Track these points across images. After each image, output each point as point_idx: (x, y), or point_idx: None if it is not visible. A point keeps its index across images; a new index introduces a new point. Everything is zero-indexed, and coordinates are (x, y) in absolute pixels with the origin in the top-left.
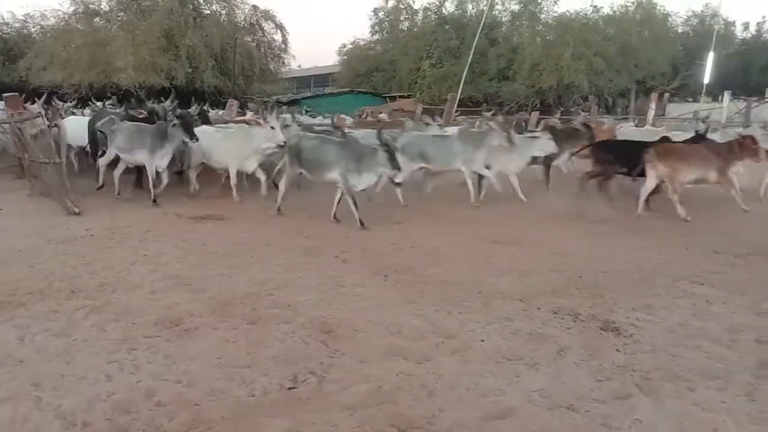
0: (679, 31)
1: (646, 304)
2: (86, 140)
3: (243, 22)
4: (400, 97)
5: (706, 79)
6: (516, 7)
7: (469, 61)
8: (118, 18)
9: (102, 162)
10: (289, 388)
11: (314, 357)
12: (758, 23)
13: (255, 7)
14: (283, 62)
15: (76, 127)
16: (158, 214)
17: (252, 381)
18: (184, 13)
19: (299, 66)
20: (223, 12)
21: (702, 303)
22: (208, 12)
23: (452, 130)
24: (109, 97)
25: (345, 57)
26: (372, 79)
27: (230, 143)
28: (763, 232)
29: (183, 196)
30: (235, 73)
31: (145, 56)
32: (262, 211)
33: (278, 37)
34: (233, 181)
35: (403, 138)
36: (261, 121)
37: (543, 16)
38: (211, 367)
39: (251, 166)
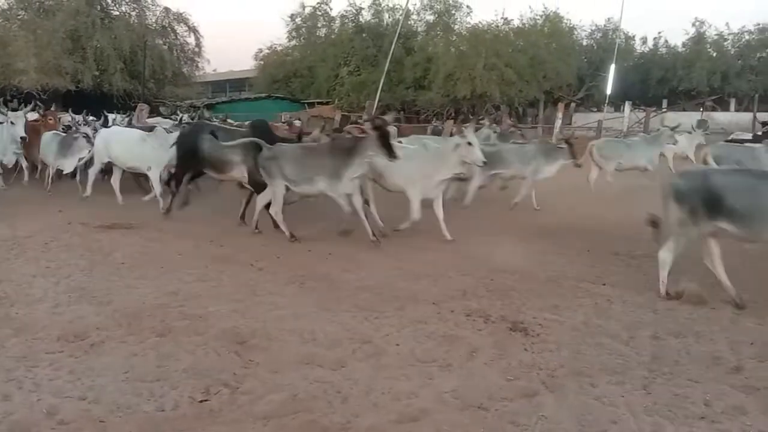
0: (584, 44)
1: (553, 304)
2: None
3: (154, 24)
4: (319, 103)
5: (609, 90)
6: (431, 18)
7: (386, 69)
8: (18, 17)
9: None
10: (201, 401)
11: (227, 368)
12: (655, 38)
13: (167, 9)
14: (197, 66)
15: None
16: (62, 223)
17: (161, 395)
18: (92, 13)
19: (215, 70)
20: (133, 13)
21: (603, 302)
22: (117, 13)
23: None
24: (10, 100)
25: (262, 62)
26: (290, 85)
27: (412, 165)
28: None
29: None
30: (146, 76)
31: (48, 58)
32: (172, 219)
33: (191, 40)
34: (416, 215)
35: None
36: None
37: (457, 27)
38: (117, 382)
39: (433, 193)
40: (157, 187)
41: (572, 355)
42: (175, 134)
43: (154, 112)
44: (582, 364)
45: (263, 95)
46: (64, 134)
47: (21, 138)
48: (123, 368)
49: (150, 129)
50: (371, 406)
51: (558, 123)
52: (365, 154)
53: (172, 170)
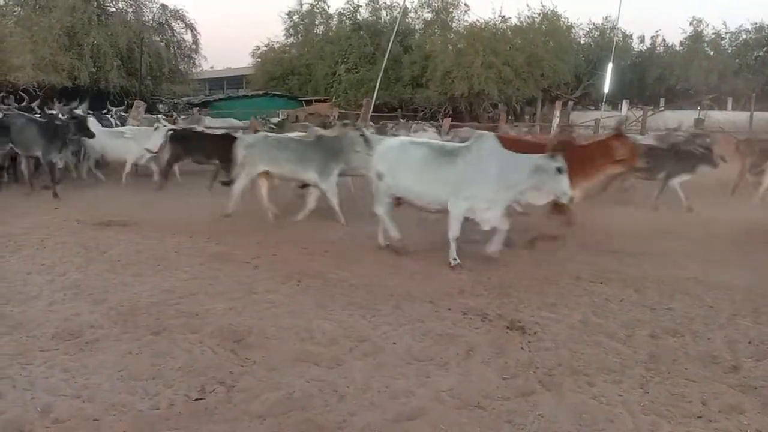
0: (582, 42)
1: (550, 302)
2: None
3: (151, 21)
4: (316, 101)
5: (606, 88)
6: (428, 16)
7: (383, 67)
8: (14, 13)
9: None
10: (196, 400)
11: (223, 366)
12: (652, 37)
13: (164, 5)
14: (194, 63)
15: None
16: (58, 220)
17: (156, 393)
18: (88, 10)
19: (212, 67)
20: (130, 10)
21: (601, 301)
22: (114, 10)
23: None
24: (7, 97)
25: (259, 59)
26: (287, 83)
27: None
28: (654, 234)
29: None
30: (143, 73)
31: (45, 54)
32: (168, 216)
33: (188, 37)
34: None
35: None
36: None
37: (454, 25)
38: (112, 380)
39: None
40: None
41: (570, 354)
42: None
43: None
44: (579, 363)
45: (261, 92)
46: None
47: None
48: (118, 366)
49: None
50: (368, 405)
51: (555, 121)
52: None
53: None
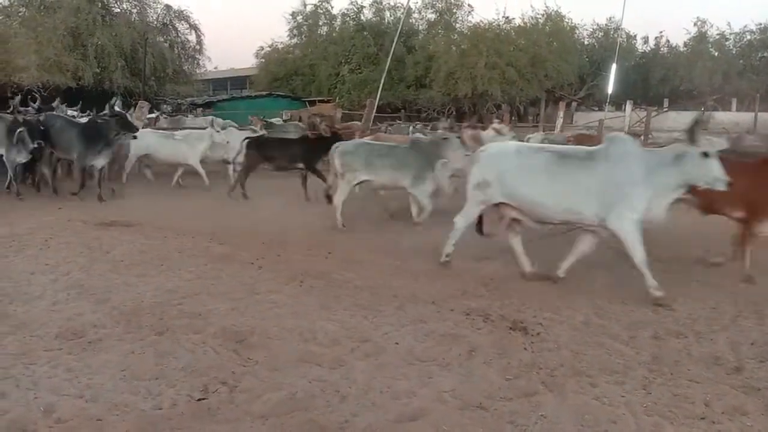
0: (585, 43)
1: (553, 303)
2: None
3: (155, 22)
4: (320, 101)
5: (610, 89)
6: (432, 16)
7: (387, 67)
8: (19, 14)
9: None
10: (199, 400)
11: (226, 366)
12: (656, 37)
13: (168, 6)
14: (198, 63)
15: None
16: (62, 220)
17: (159, 393)
18: (92, 10)
19: (215, 68)
20: (134, 11)
21: (604, 302)
22: (118, 10)
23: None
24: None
25: (263, 60)
26: (291, 83)
27: None
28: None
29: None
30: (147, 73)
31: (49, 55)
32: (172, 216)
33: (192, 37)
34: None
35: None
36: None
37: (458, 25)
38: (115, 380)
39: None
40: None
41: (572, 355)
42: None
43: (154, 109)
44: (582, 364)
45: (264, 93)
46: None
47: None
48: (121, 366)
49: None
50: (370, 405)
51: (559, 122)
52: None
53: None
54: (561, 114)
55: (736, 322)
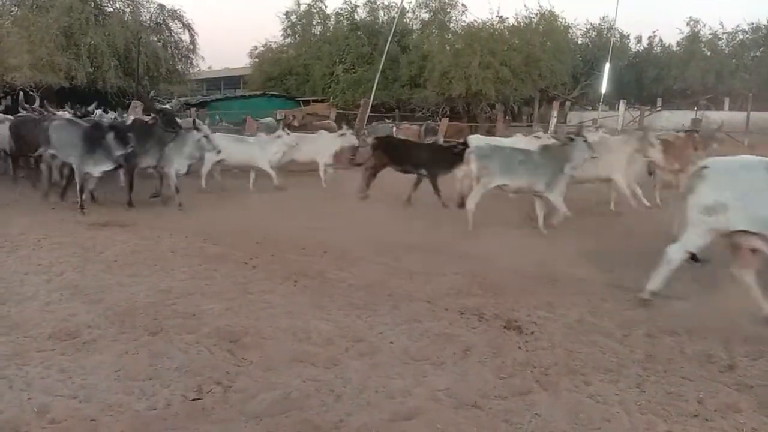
0: (579, 42)
1: (546, 302)
2: None
3: (148, 21)
4: (314, 101)
5: (604, 88)
6: (426, 16)
7: (381, 67)
8: (12, 13)
9: None
10: (193, 400)
11: (220, 366)
12: (650, 37)
13: (161, 5)
14: (192, 63)
15: None
16: (55, 220)
17: (153, 394)
18: (85, 10)
19: (209, 67)
20: (127, 10)
21: (597, 300)
22: (111, 10)
23: None
24: (4, 97)
25: (257, 60)
26: (285, 83)
27: None
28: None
29: None
30: (140, 73)
31: (42, 55)
32: (165, 217)
33: (186, 37)
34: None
35: None
36: None
37: (452, 25)
38: (109, 380)
39: None
40: None
41: (566, 353)
42: None
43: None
44: (576, 362)
45: (258, 93)
46: None
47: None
48: (114, 366)
49: None
50: (364, 405)
51: (553, 121)
52: None
53: None
54: (555, 113)
55: (729, 320)
